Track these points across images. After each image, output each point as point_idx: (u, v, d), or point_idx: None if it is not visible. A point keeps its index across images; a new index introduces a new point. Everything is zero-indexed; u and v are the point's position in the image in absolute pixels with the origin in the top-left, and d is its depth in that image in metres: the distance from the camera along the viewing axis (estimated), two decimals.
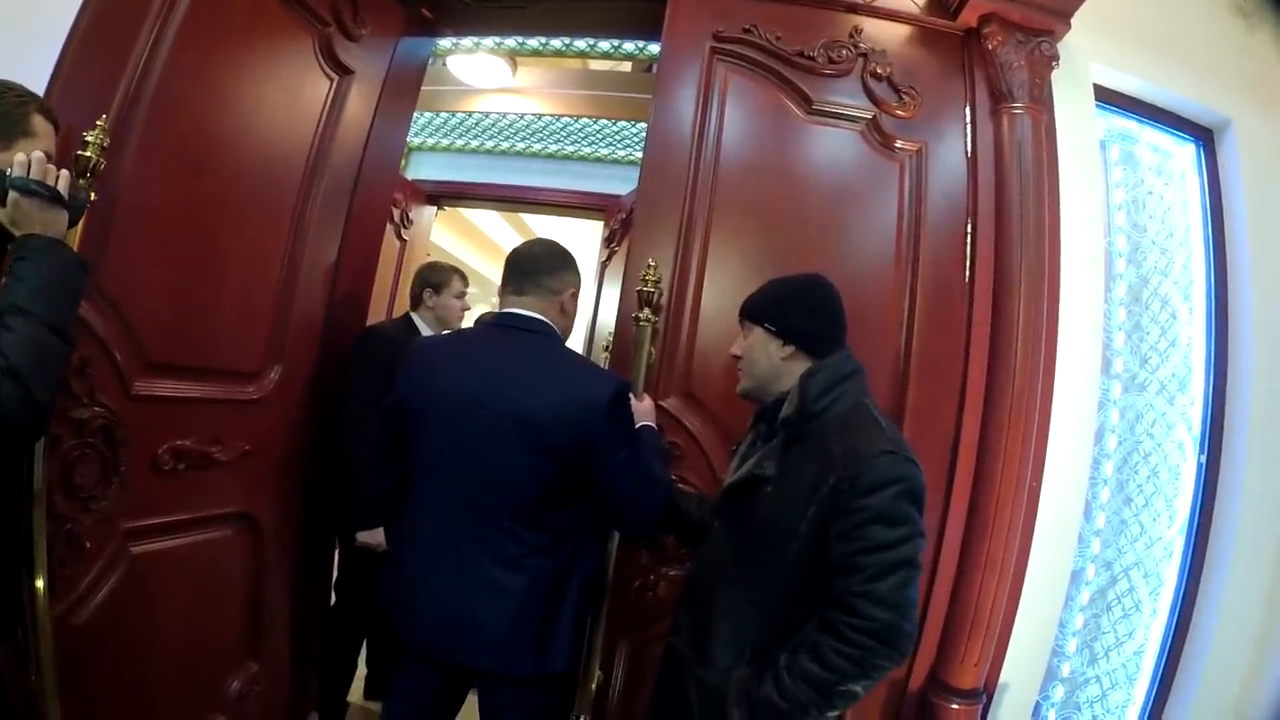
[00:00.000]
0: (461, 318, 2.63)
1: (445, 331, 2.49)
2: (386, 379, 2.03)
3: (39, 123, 1.19)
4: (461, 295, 2.60)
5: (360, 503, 2.19)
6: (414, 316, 2.54)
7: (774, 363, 1.36)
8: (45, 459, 1.31)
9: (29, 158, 1.11)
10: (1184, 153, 2.30)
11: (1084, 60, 2.07)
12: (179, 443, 1.67)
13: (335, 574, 2.42)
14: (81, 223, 1.28)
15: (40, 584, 1.30)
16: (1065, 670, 2.09)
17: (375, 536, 2.20)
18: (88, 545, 1.47)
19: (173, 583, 1.71)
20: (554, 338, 1.54)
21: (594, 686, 1.71)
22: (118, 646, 1.56)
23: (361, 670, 2.60)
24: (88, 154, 1.29)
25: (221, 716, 1.87)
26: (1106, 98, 2.15)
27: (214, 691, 1.86)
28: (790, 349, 1.35)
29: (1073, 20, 1.91)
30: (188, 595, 1.76)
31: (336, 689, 2.40)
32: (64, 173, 1.16)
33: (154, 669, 1.67)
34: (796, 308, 1.38)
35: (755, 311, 1.42)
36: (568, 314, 1.59)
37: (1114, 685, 2.10)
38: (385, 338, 2.30)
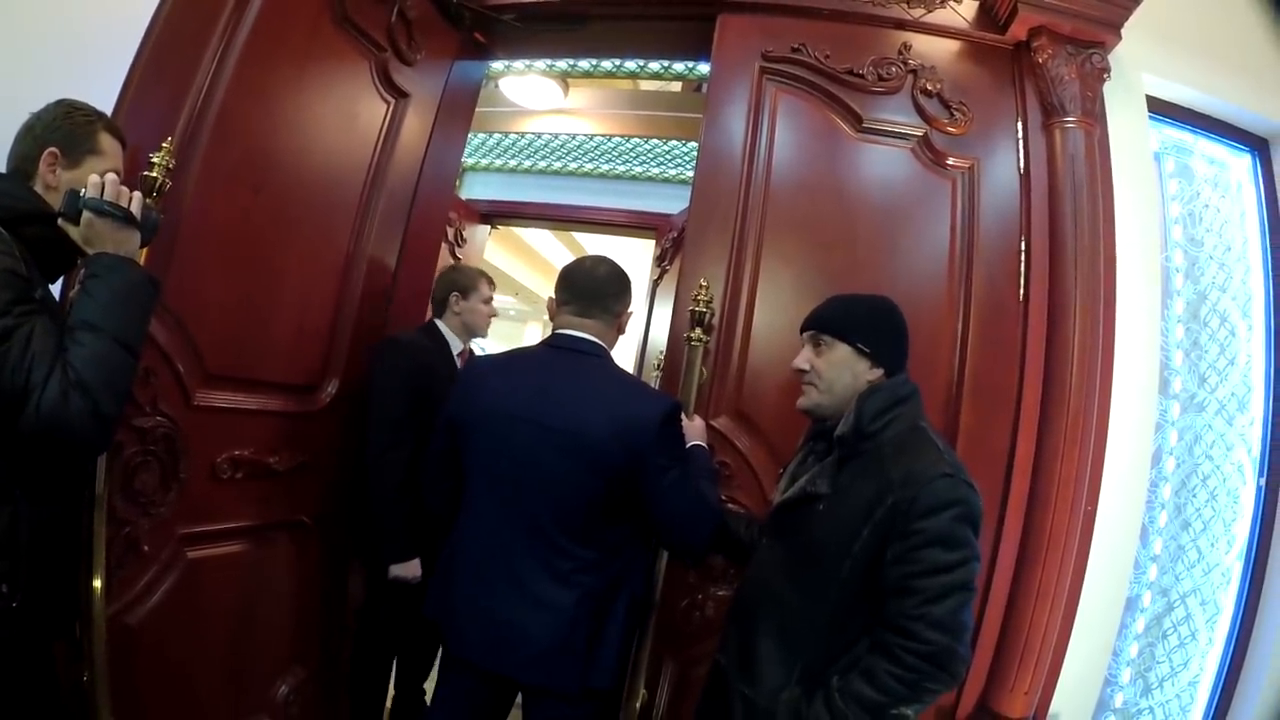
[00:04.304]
0: (489, 324, 2.30)
1: (473, 339, 2.27)
2: (412, 392, 1.91)
3: (106, 141, 1.16)
4: (489, 300, 2.27)
5: (388, 533, 1.91)
6: (438, 324, 2.21)
7: (859, 383, 1.24)
8: (107, 464, 1.27)
9: (103, 179, 1.07)
10: (1240, 164, 2.12)
11: (1136, 71, 1.91)
12: (238, 452, 1.63)
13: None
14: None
15: (97, 584, 1.25)
16: (1118, 701, 1.90)
17: (410, 569, 1.90)
18: (145, 548, 1.43)
19: (226, 587, 1.66)
20: (606, 358, 1.47)
21: (638, 705, 1.60)
22: (170, 647, 1.51)
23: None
24: (153, 174, 1.25)
25: (267, 719, 1.81)
26: (1159, 109, 1.99)
27: (261, 695, 1.80)
28: (879, 371, 1.24)
29: (1123, 31, 1.76)
30: (240, 600, 1.71)
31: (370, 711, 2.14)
32: (136, 194, 1.12)
33: (204, 670, 1.63)
34: (886, 328, 1.27)
35: (839, 327, 1.27)
36: (622, 332, 1.53)
37: (1167, 717, 1.91)
38: (406, 346, 2.02)
